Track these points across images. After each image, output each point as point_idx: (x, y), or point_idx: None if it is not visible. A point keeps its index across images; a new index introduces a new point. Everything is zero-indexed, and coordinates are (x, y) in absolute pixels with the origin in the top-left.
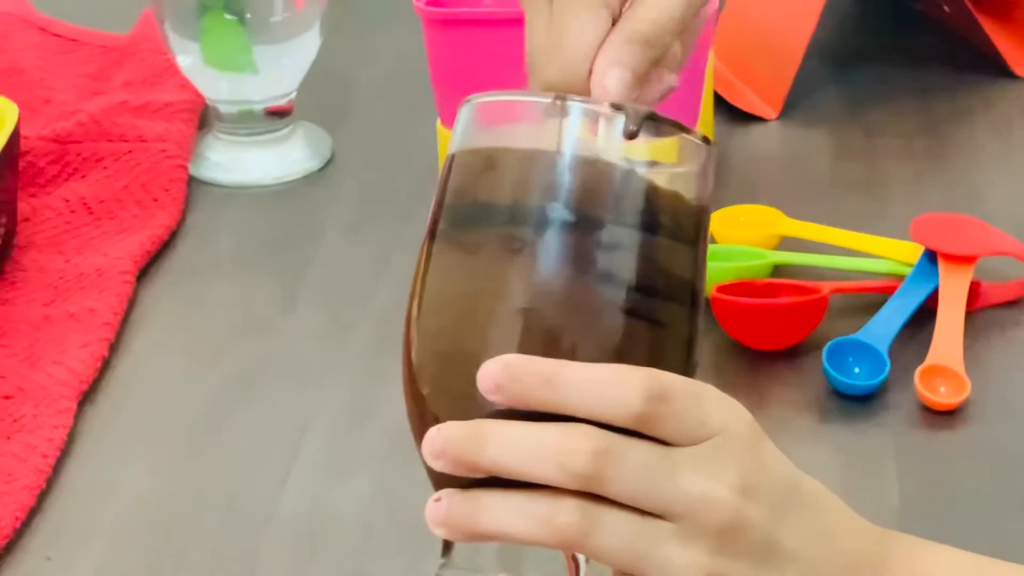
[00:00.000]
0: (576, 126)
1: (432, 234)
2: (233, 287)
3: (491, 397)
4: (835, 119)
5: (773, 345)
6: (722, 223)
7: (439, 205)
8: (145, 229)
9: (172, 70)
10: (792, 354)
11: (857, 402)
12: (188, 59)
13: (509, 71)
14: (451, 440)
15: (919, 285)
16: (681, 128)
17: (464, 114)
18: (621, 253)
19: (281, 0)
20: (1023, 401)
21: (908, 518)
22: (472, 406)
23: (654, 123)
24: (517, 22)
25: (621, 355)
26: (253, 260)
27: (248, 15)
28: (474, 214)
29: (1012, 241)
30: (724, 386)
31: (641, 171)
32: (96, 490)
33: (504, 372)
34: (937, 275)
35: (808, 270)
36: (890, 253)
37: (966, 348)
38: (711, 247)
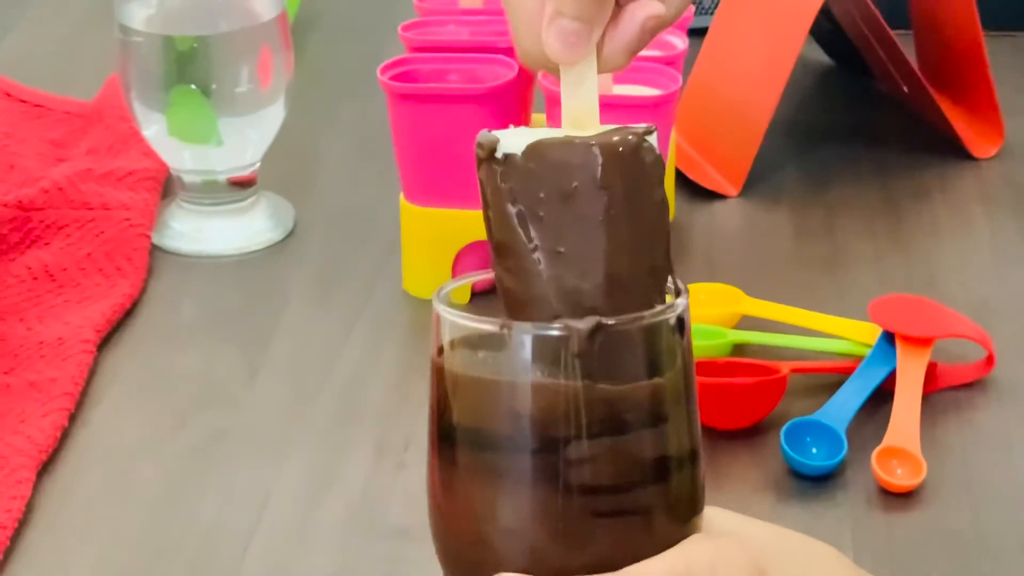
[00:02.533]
0: (525, 353)
1: (431, 435)
2: (195, 357)
3: None
4: (796, 197)
5: (732, 424)
6: None
7: (431, 407)
8: (107, 298)
9: (136, 137)
10: (750, 434)
11: (814, 482)
12: (153, 129)
13: (473, 147)
14: None
15: (877, 366)
16: (638, 318)
17: (434, 316)
18: (593, 464)
19: (246, 73)
20: (979, 483)
21: None
22: None
23: (604, 333)
24: (481, 98)
25: (611, 559)
26: (215, 330)
27: (213, 86)
28: (452, 431)
29: (969, 324)
30: None
31: (601, 383)
32: (56, 562)
33: None
34: (895, 356)
35: (768, 349)
36: (849, 334)
37: (923, 430)
38: None
